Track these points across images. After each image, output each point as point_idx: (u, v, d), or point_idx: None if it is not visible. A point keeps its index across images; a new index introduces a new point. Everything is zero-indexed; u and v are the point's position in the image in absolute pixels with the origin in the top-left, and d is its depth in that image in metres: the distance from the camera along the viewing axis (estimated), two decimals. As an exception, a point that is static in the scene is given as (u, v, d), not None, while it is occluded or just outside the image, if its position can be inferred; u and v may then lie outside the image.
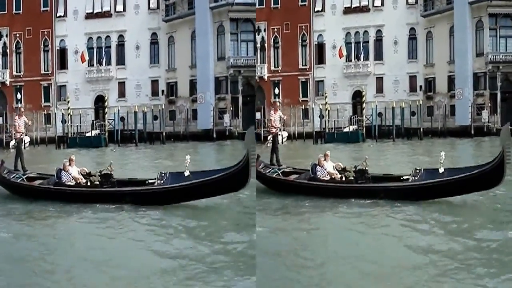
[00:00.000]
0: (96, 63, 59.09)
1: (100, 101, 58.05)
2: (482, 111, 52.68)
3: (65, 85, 59.27)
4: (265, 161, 19.79)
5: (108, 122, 54.32)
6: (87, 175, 17.82)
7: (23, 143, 22.49)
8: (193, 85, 57.26)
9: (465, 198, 16.56)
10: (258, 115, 54.38)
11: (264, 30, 58.96)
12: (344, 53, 58.12)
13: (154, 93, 58.69)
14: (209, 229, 13.97)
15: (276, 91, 54.90)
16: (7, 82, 59.05)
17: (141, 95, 58.35)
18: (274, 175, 18.88)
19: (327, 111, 54.00)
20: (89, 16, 59.07)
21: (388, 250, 12.09)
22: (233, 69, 55.51)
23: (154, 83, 58.86)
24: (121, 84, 58.88)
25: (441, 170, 16.21)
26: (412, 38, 57.90)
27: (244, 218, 15.41)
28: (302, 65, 60.12)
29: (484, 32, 53.74)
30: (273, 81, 58.97)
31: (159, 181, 16.48)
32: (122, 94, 58.71)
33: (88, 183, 17.66)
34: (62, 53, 59.44)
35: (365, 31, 58.86)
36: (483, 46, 53.70)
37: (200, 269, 10.87)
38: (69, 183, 17.82)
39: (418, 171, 16.54)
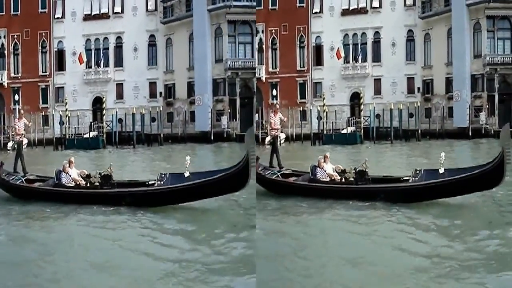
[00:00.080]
0: (94, 65, 59.11)
1: (98, 102, 58.04)
2: (480, 113, 52.74)
3: (63, 87, 59.27)
4: (263, 164, 19.74)
5: (106, 123, 54.34)
6: (87, 177, 17.81)
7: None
8: (191, 87, 57.29)
9: (464, 200, 16.58)
10: (257, 116, 54.51)
11: (262, 32, 58.95)
12: (342, 54, 58.16)
13: (152, 95, 58.76)
14: (209, 230, 13.97)
15: (274, 92, 54.84)
16: (5, 84, 59.03)
17: (139, 97, 58.37)
18: (273, 177, 18.87)
19: (325, 113, 54.10)
20: (87, 17, 59.08)
21: (388, 252, 12.09)
22: (231, 71, 55.50)
23: (152, 85, 58.91)
24: (119, 86, 58.92)
25: (441, 170, 16.24)
26: (410, 40, 57.98)
27: (244, 219, 15.42)
28: (300, 67, 60.15)
29: (482, 34, 53.82)
30: (271, 83, 59.00)
31: (159, 182, 16.51)
32: (120, 95, 58.75)
33: (88, 185, 17.65)
34: (60, 54, 59.46)
35: (363, 33, 58.92)
36: (481, 48, 53.76)
37: (200, 270, 10.87)
38: (69, 185, 17.81)
39: (418, 172, 16.56)
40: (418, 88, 57.60)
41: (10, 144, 49.84)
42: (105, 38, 59.08)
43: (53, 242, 13.45)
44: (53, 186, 18.07)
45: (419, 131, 52.97)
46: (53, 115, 56.79)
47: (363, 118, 54.52)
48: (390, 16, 57.91)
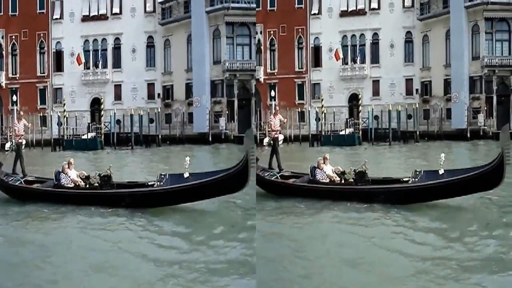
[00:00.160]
0: (92, 66, 59.12)
1: (96, 103, 58.06)
2: (478, 114, 52.79)
3: (61, 88, 59.30)
4: (262, 165, 19.67)
5: (104, 125, 54.25)
6: (86, 179, 17.78)
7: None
8: (189, 89, 57.33)
9: (463, 201, 16.58)
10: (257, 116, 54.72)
11: (260, 33, 58.96)
12: (341, 55, 58.19)
13: (150, 96, 58.80)
14: (208, 231, 13.94)
15: (272, 93, 54.83)
16: (3, 84, 59.05)
17: (137, 98, 58.40)
18: (272, 179, 18.85)
19: (323, 114, 54.09)
20: (86, 18, 59.11)
21: (388, 253, 12.08)
22: (229, 72, 55.52)
23: (150, 86, 58.96)
24: (117, 87, 58.95)
25: (441, 171, 16.23)
26: (409, 41, 58.05)
27: (244, 220, 15.41)
28: (299, 68, 60.16)
29: (480, 36, 53.89)
30: (269, 84, 58.96)
31: (158, 183, 16.48)
32: (118, 97, 58.77)
33: (87, 186, 17.62)
34: (58, 55, 59.48)
35: (362, 34, 58.95)
36: (479, 49, 53.84)
37: (199, 271, 10.86)
38: (68, 186, 17.78)
39: (418, 173, 16.55)
40: (417, 90, 57.66)
41: (7, 145, 49.73)
42: (103, 39, 59.11)
43: (52, 244, 13.42)
44: (53, 187, 18.02)
45: (417, 133, 53.04)
46: (51, 116, 56.85)
47: (362, 120, 54.52)
48: (388, 17, 57.97)
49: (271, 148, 20.57)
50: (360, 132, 53.13)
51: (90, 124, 55.54)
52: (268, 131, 49.88)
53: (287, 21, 59.44)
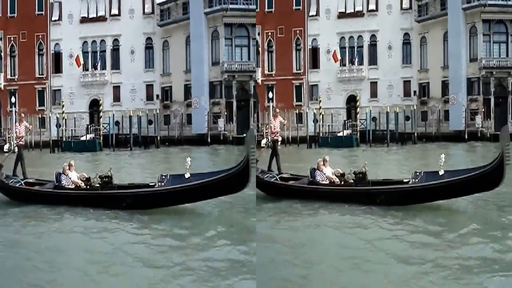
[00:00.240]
0: (91, 67, 59.13)
1: (94, 105, 58.08)
2: (475, 116, 52.92)
3: (59, 89, 59.36)
4: (261, 167, 19.69)
5: (102, 126, 54.28)
6: (87, 181, 17.79)
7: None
8: (187, 90, 57.39)
9: (462, 202, 16.65)
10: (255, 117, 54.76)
11: (258, 34, 59.00)
12: (339, 57, 58.26)
13: (149, 97, 58.86)
14: (207, 232, 13.92)
15: (270, 95, 54.97)
16: (1, 86, 59.12)
17: (135, 100, 58.45)
18: (272, 180, 18.88)
19: (321, 116, 54.11)
20: (84, 20, 59.15)
21: (388, 255, 12.06)
22: (228, 73, 55.59)
23: (149, 87, 59.02)
24: (116, 89, 59.00)
25: (441, 172, 16.24)
26: (406, 43, 58.15)
27: (243, 221, 15.44)
28: (296, 70, 60.24)
29: (477, 38, 54.00)
30: (267, 85, 58.97)
31: (159, 184, 16.46)
32: (117, 98, 58.81)
33: (88, 187, 17.63)
34: (57, 57, 59.53)
35: (359, 36, 59.04)
36: (477, 51, 53.95)
37: (199, 273, 10.87)
38: (69, 187, 17.81)
39: (418, 173, 16.54)
40: (414, 91, 57.76)
41: (6, 147, 49.77)
42: (102, 41, 59.17)
43: (51, 245, 13.35)
44: (53, 189, 18.03)
45: (415, 134, 53.08)
46: (49, 117, 56.81)
47: (359, 121, 54.55)
48: (386, 19, 58.05)
49: (271, 150, 20.55)
50: (358, 133, 53.20)
51: (89, 126, 55.56)
52: (266, 132, 50.65)
53: (285, 22, 59.49)
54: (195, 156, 42.27)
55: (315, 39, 59.87)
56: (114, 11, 58.90)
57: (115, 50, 59.21)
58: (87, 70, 59.15)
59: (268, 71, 59.97)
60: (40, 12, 59.08)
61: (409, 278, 10.54)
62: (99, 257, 12.16)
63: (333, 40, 59.40)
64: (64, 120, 53.98)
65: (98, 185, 17.34)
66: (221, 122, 54.84)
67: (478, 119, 52.68)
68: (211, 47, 56.64)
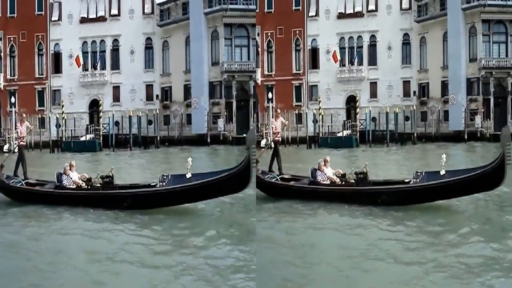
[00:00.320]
0: (91, 68, 59.13)
1: (94, 105, 58.09)
2: (475, 116, 52.97)
3: (59, 89, 59.37)
4: (262, 168, 19.67)
5: (102, 126, 54.28)
6: (88, 181, 17.79)
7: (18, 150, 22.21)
8: (187, 90, 57.42)
9: (463, 202, 16.66)
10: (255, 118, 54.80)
11: (258, 35, 59.01)
12: (338, 57, 58.29)
13: (149, 97, 58.87)
14: (207, 233, 13.91)
15: (270, 95, 55.00)
16: (1, 86, 59.10)
17: (135, 100, 58.47)
18: (273, 181, 18.88)
19: (320, 116, 54.12)
20: (84, 20, 59.16)
21: (389, 256, 12.04)
22: (227, 74, 55.62)
23: (149, 87, 59.03)
24: (116, 89, 59.01)
25: (442, 172, 16.26)
26: (406, 43, 58.19)
27: (244, 222, 15.44)
28: (296, 70, 60.25)
29: (477, 38, 54.05)
30: (267, 86, 58.97)
31: (161, 183, 16.45)
32: (116, 98, 58.82)
33: (89, 187, 17.63)
34: (57, 57, 59.53)
35: (359, 36, 59.07)
36: (476, 51, 54.01)
37: (198, 274, 10.87)
38: (70, 187, 17.81)
39: (419, 173, 16.55)
40: (414, 92, 57.80)
41: (6, 147, 49.76)
42: (102, 41, 59.17)
43: (52, 246, 13.32)
44: (54, 189, 18.03)
45: (415, 134, 53.13)
46: (49, 117, 56.82)
47: (359, 121, 54.56)
48: (386, 19, 58.07)
49: (273, 150, 20.52)
50: (358, 134, 53.21)
51: (89, 126, 55.56)
52: (266, 133, 50.66)
53: (284, 23, 59.50)
54: (194, 156, 41.96)
55: (314, 39, 59.91)
56: (114, 11, 58.91)
57: (115, 50, 59.21)
58: (87, 70, 59.15)
59: (268, 71, 59.97)
60: (40, 12, 59.08)
61: (410, 278, 10.55)
62: (100, 257, 12.16)
63: (332, 41, 59.43)
64: (63, 120, 53.99)
65: (99, 185, 17.33)
66: (220, 122, 54.87)
67: (478, 119, 52.73)
68: (210, 47, 56.66)
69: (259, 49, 59.10)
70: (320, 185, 17.76)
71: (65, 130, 54.03)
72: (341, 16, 59.42)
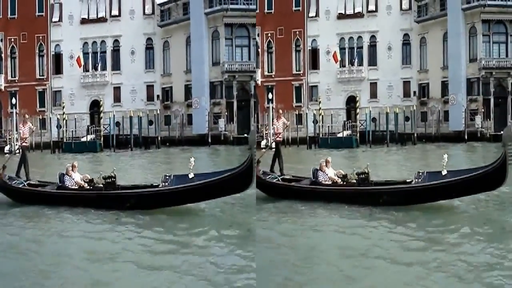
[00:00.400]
0: (92, 68, 59.16)
1: (95, 106, 58.13)
2: (475, 116, 52.99)
3: (60, 90, 59.40)
4: (263, 168, 19.68)
5: (103, 127, 54.33)
6: (90, 182, 17.81)
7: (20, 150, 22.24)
8: (188, 90, 57.47)
9: (463, 203, 16.70)
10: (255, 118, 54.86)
11: (258, 35, 59.04)
12: (339, 58, 58.33)
13: (149, 98, 58.91)
14: (207, 234, 13.93)
15: (270, 96, 55.00)
16: (2, 87, 59.13)
17: (136, 100, 58.51)
18: (274, 181, 18.89)
19: (321, 116, 54.14)
20: (84, 21, 59.19)
21: (391, 257, 12.04)
22: (228, 74, 55.66)
23: (149, 88, 59.07)
24: (116, 89, 59.04)
25: (444, 172, 16.27)
26: (406, 43, 58.24)
27: (243, 223, 15.46)
28: (296, 70, 60.29)
29: (477, 38, 54.09)
30: (267, 86, 58.98)
31: (163, 184, 16.45)
32: (117, 99, 58.87)
33: (92, 188, 17.62)
34: (57, 58, 59.57)
35: (359, 37, 59.11)
36: (477, 52, 54.05)
37: (198, 275, 10.89)
38: (73, 187, 17.84)
39: (421, 173, 16.54)
40: (414, 92, 57.85)
41: (7, 148, 49.88)
42: (102, 42, 59.21)
43: (54, 246, 13.31)
44: (56, 189, 18.04)
45: (415, 135, 53.19)
46: (50, 118, 56.91)
47: (359, 122, 54.61)
48: (386, 20, 58.12)
49: (275, 151, 20.53)
50: (358, 134, 53.28)
51: (90, 127, 55.61)
52: (266, 134, 50.72)
53: (284, 23, 59.55)
54: (196, 157, 42.30)
55: (314, 40, 59.95)
56: (115, 12, 58.95)
57: (116, 51, 59.26)
58: (88, 71, 59.20)
59: (268, 72, 60.01)
60: (40, 13, 59.12)
61: (411, 278, 10.54)
62: (101, 257, 12.14)
63: (332, 41, 59.47)
64: (64, 121, 54.04)
65: (101, 185, 17.35)
66: (221, 122, 54.92)
67: (478, 119, 52.77)
68: (211, 47, 56.72)
69: (259, 50, 59.13)
70: (322, 185, 17.79)
71: (66, 131, 54.05)
72: (341, 16, 59.45)
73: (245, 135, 53.21)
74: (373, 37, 58.82)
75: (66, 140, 53.22)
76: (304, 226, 15.00)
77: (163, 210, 16.22)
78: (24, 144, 21.73)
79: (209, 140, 53.55)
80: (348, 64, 59.44)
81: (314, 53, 60.15)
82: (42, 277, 11.03)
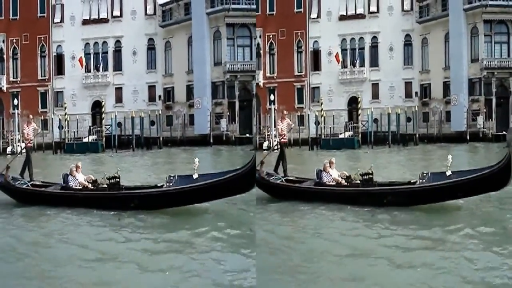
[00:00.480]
0: (93, 69, 59.18)
1: (97, 106, 58.15)
2: (477, 116, 52.99)
3: (62, 91, 59.38)
4: (267, 170, 19.67)
5: (105, 127, 54.36)
6: (94, 182, 17.82)
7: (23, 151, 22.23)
8: (190, 90, 57.49)
9: (464, 203, 16.71)
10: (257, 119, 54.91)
11: (260, 37, 59.07)
12: (340, 59, 58.37)
13: (151, 98, 58.89)
14: (207, 235, 13.96)
15: (272, 97, 54.99)
16: (4, 88, 59.10)
17: (138, 101, 58.50)
18: (278, 182, 18.88)
19: (322, 118, 54.12)
20: (86, 22, 59.18)
21: (393, 259, 12.04)
22: (230, 74, 55.69)
23: (151, 88, 59.06)
24: (118, 90, 59.03)
25: (448, 173, 16.28)
26: (408, 44, 58.23)
27: (244, 223, 15.45)
28: (298, 72, 60.30)
29: (479, 38, 54.12)
30: (269, 88, 58.97)
31: (167, 184, 16.45)
32: (119, 99, 58.85)
33: (95, 189, 17.63)
34: (59, 59, 59.55)
35: (361, 38, 59.12)
36: (478, 52, 54.07)
37: (199, 276, 10.90)
38: (77, 188, 17.83)
39: (425, 174, 16.54)
40: (416, 93, 57.86)
41: (9, 149, 49.91)
42: (104, 42, 59.20)
43: (56, 246, 13.34)
44: (60, 190, 18.04)
45: (417, 135, 53.17)
46: (52, 119, 56.96)
47: (361, 123, 54.63)
48: (387, 20, 58.13)
49: (279, 152, 20.52)
50: (360, 135, 53.31)
51: (91, 127, 55.67)
52: (268, 135, 50.74)
53: (286, 25, 59.59)
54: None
55: (316, 41, 59.97)
56: (116, 12, 58.95)
57: (117, 52, 59.25)
58: (89, 71, 59.22)
59: (270, 73, 60.03)
60: (42, 14, 59.12)
61: (414, 279, 10.54)
62: (102, 257, 12.19)
63: (334, 42, 59.49)
64: (66, 121, 54.08)
65: (105, 186, 17.35)
66: (223, 122, 54.94)
67: (480, 119, 52.76)
68: (213, 47, 56.74)
69: (261, 51, 59.17)
70: (326, 186, 17.79)
71: (68, 131, 54.07)
72: (342, 18, 59.48)
73: (247, 135, 53.34)
74: (374, 38, 58.83)
75: (68, 140, 53.21)
76: (308, 227, 14.99)
77: (166, 210, 16.23)
78: (28, 144, 21.74)
79: (211, 141, 53.56)
80: (350, 65, 59.45)
81: (316, 54, 60.17)
82: (45, 277, 11.05)
